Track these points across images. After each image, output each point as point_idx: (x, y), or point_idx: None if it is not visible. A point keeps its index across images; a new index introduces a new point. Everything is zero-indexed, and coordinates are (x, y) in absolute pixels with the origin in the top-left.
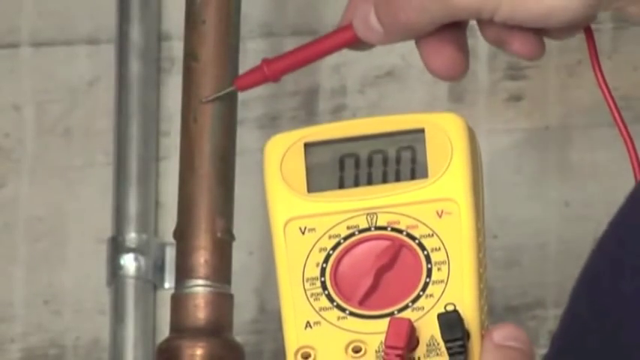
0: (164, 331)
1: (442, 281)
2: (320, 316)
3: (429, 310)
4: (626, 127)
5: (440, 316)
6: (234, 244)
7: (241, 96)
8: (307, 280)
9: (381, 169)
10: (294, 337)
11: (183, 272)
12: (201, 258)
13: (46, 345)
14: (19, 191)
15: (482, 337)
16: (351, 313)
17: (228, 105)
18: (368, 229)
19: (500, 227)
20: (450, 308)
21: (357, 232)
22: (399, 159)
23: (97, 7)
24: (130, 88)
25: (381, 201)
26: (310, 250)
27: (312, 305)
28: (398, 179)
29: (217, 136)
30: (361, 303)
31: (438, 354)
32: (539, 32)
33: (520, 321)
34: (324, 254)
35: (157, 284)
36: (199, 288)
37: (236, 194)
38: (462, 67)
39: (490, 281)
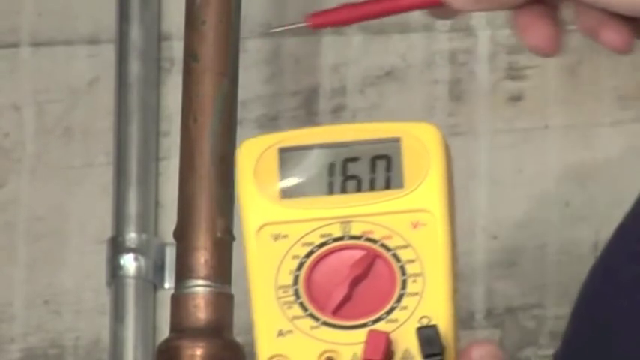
0: (164, 331)
1: (417, 293)
2: (292, 324)
3: (403, 323)
4: None
5: (419, 330)
6: (234, 244)
7: (241, 96)
8: (280, 287)
9: (356, 178)
10: (265, 345)
11: (183, 272)
12: (202, 258)
13: (46, 345)
14: (19, 191)
15: (457, 351)
16: (325, 323)
17: (228, 105)
18: (342, 238)
19: (500, 227)
20: (425, 321)
21: (330, 241)
22: (375, 168)
23: (97, 7)
24: (130, 88)
25: (356, 210)
26: (283, 258)
27: (284, 313)
28: (373, 188)
29: (217, 136)
30: (335, 313)
31: None
32: (631, 26)
33: (520, 321)
34: (297, 262)
35: (157, 284)
36: (199, 288)
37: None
38: (556, 44)
39: (490, 281)
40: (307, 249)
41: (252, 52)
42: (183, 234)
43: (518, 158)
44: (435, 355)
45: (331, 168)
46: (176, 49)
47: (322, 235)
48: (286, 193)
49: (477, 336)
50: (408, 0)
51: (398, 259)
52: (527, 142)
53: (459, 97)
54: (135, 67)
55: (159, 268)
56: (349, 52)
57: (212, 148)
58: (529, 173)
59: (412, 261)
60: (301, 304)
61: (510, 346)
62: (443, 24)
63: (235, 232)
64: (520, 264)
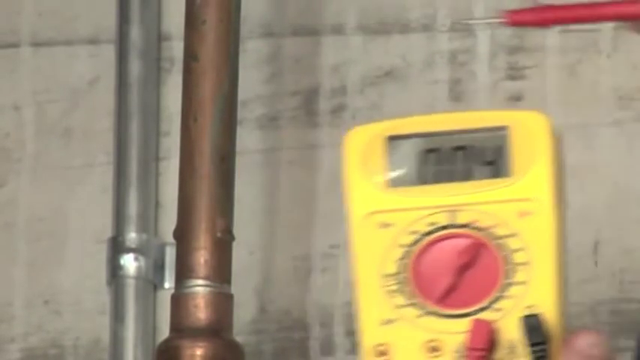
0: (164, 331)
1: (523, 283)
2: (397, 313)
3: (509, 312)
4: None
5: (523, 319)
6: (234, 244)
7: (241, 96)
8: (385, 276)
9: (464, 166)
10: (370, 334)
11: (183, 272)
12: (201, 258)
13: (46, 345)
14: (19, 191)
15: (563, 342)
16: (430, 312)
17: (228, 105)
18: (448, 227)
19: None
20: (530, 311)
21: (436, 229)
22: (482, 156)
23: (97, 7)
24: (130, 88)
25: (463, 198)
26: (389, 246)
27: (389, 302)
28: (480, 177)
29: (217, 136)
30: (440, 302)
31: (516, 357)
32: None
33: None
34: (403, 250)
35: (157, 284)
36: (199, 288)
37: (236, 194)
38: None
39: None
40: (413, 237)
41: (252, 52)
42: (183, 234)
43: None
44: (539, 344)
45: (438, 156)
46: (176, 49)
47: (428, 224)
48: (393, 182)
49: None
50: (609, 10)
51: (504, 248)
52: None
53: (459, 97)
54: (135, 67)
55: (159, 268)
56: (349, 52)
57: (212, 148)
58: None
59: (519, 250)
60: (406, 293)
61: None
62: (443, 24)
63: (235, 232)
64: None
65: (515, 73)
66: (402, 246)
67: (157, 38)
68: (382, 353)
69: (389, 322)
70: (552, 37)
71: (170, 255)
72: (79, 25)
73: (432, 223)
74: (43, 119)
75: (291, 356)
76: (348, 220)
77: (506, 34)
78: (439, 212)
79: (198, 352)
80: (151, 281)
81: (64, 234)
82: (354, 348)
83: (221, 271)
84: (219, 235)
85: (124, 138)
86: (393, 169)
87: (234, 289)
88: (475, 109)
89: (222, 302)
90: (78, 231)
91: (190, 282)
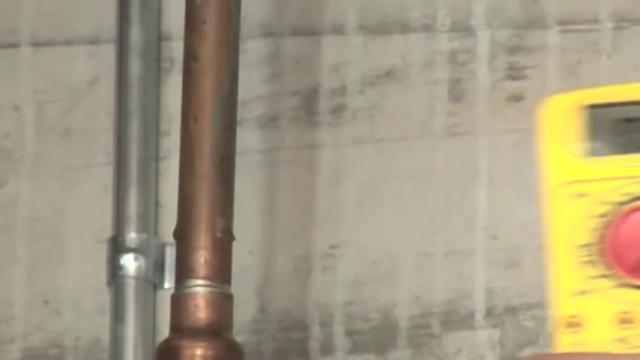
0: (164, 331)
1: None
2: (590, 284)
3: None
4: None
5: None
6: (234, 244)
7: (241, 96)
8: (578, 246)
9: None
10: (562, 305)
11: (183, 272)
12: (201, 258)
13: (46, 345)
14: (19, 191)
15: None
16: (623, 283)
17: (228, 105)
18: None
19: (500, 227)
20: None
21: (632, 200)
22: None
23: (97, 7)
24: (130, 88)
25: None
26: (583, 216)
27: (582, 273)
28: None
29: (217, 136)
30: (634, 273)
31: None
32: None
33: (520, 321)
34: (597, 221)
35: (157, 284)
36: (199, 288)
37: (236, 194)
38: None
39: (490, 282)
40: (608, 208)
41: (252, 52)
42: (183, 234)
43: (518, 158)
44: None
45: (635, 126)
46: (176, 49)
47: (624, 194)
48: (588, 151)
49: (478, 336)
50: None
51: None
52: (527, 142)
53: (459, 97)
54: (135, 67)
55: (159, 268)
56: (349, 52)
57: (212, 148)
58: (529, 173)
59: None
60: (600, 264)
61: (510, 346)
62: (442, 24)
63: (235, 232)
64: (520, 264)
65: (515, 73)
66: (596, 216)
67: (157, 38)
68: (574, 325)
69: (582, 293)
70: (552, 37)
71: (170, 255)
72: (79, 25)
73: (628, 194)
74: (43, 119)
75: (291, 356)
76: (543, 189)
77: (507, 34)
78: (635, 182)
79: (198, 352)
80: (151, 281)
81: (64, 234)
82: (354, 348)
83: (221, 271)
84: (219, 235)
85: (124, 138)
86: (588, 139)
87: (234, 289)
88: (475, 109)
89: (222, 302)
90: (78, 231)
91: (190, 282)
